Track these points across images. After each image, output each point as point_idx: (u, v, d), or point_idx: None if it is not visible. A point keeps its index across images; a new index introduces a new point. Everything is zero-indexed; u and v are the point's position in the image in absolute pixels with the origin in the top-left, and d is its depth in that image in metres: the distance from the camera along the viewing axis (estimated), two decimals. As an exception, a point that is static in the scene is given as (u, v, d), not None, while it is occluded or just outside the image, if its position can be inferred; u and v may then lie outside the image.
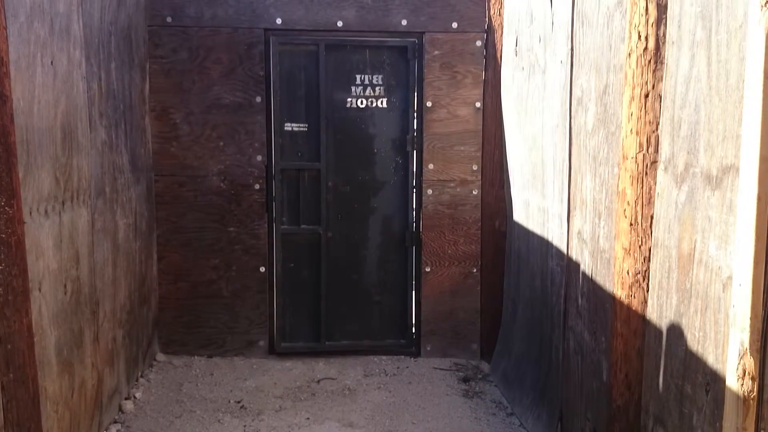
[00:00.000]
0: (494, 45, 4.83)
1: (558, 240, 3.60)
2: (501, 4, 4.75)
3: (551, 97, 3.70)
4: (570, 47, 3.36)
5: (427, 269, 5.07)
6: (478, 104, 4.95)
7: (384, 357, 5.11)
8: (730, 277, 1.92)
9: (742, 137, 1.84)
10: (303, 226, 5.01)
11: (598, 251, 3.00)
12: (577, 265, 3.30)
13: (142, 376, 4.54)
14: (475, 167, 5.00)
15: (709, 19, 2.07)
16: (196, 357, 4.99)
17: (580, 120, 3.25)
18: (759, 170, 1.75)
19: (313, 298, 5.08)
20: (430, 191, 5.00)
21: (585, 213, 3.18)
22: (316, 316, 5.08)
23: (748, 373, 1.81)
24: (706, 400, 2.07)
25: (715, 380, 2.01)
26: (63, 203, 3.13)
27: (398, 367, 4.94)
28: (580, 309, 3.27)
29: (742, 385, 1.83)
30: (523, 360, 4.28)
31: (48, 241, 2.94)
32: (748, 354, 1.80)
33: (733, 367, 1.86)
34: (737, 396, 1.85)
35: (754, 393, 1.81)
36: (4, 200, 2.47)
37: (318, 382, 4.65)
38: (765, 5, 1.73)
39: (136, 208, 4.40)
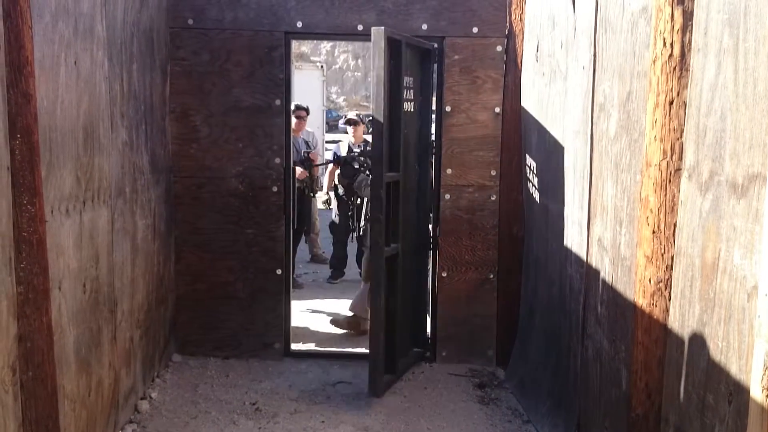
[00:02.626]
0: (515, 50, 4.81)
1: (577, 247, 3.57)
2: (522, 9, 4.73)
3: (572, 102, 3.67)
4: (593, 53, 3.34)
5: (444, 274, 5.04)
6: (497, 109, 4.92)
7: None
8: (755, 287, 1.89)
9: (770, 145, 1.81)
10: (320, 229, 4.99)
11: (619, 259, 2.97)
12: (596, 272, 3.27)
13: (158, 377, 4.56)
14: (493, 172, 4.96)
15: (736, 27, 2.04)
16: (211, 358, 5.00)
17: (602, 126, 3.23)
18: (787, 179, 1.73)
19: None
20: (447, 196, 4.98)
21: (606, 220, 3.15)
22: (332, 319, 5.07)
23: (774, 385, 1.77)
24: (729, 411, 2.04)
25: (739, 391, 1.98)
26: (84, 203, 3.15)
27: (413, 372, 4.91)
28: (599, 317, 3.23)
29: (767, 396, 1.80)
30: (539, 367, 4.25)
31: (68, 240, 2.96)
32: (774, 365, 1.77)
33: (758, 378, 1.83)
34: (762, 407, 1.82)
35: (780, 405, 1.77)
36: (26, 199, 2.49)
37: (333, 385, 4.64)
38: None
39: (155, 208, 4.42)
